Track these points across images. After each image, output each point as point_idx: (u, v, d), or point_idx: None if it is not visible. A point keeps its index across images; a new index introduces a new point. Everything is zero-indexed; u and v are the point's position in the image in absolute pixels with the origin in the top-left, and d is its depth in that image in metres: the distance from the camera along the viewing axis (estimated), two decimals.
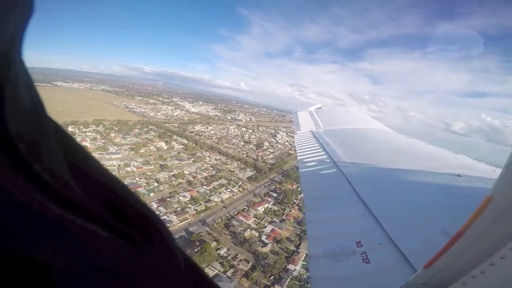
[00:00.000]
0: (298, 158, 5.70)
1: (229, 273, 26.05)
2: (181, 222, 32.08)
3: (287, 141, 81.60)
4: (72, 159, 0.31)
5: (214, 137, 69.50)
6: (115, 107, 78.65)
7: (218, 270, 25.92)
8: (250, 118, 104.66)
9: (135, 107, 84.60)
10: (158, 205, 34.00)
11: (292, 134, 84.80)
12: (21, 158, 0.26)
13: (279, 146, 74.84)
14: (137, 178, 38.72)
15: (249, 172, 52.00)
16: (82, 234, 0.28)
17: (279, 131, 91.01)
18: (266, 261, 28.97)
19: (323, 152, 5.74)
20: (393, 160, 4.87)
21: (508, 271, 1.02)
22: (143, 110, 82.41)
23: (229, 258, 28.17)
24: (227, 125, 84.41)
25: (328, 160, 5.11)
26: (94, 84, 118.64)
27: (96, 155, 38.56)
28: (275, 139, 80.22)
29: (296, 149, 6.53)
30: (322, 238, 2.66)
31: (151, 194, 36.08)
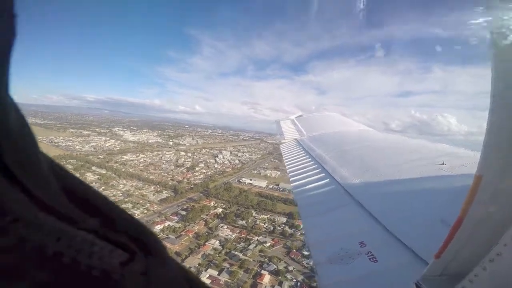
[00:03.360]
0: (286, 167, 6.31)
1: None
2: None
3: (228, 160, 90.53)
4: (63, 181, 0.36)
5: (141, 165, 76.88)
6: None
7: None
8: (197, 141, 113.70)
9: (62, 141, 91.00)
10: None
11: (236, 153, 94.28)
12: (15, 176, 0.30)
13: (216, 166, 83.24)
14: None
15: (164, 194, 59.13)
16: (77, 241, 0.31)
17: (223, 151, 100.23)
18: None
19: (310, 158, 6.32)
20: (379, 157, 5.29)
21: None
22: (70, 144, 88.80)
23: None
24: (164, 151, 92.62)
25: (316, 165, 5.61)
26: None
27: None
28: (215, 160, 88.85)
29: (283, 158, 7.34)
30: (324, 243, 2.88)
31: None
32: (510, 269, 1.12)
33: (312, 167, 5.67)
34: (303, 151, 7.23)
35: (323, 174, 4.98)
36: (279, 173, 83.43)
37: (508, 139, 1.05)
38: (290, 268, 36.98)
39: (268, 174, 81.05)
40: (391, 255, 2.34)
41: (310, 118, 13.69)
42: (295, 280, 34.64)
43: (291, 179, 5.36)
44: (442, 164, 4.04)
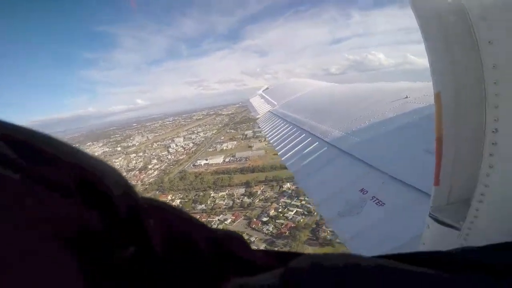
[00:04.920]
0: (270, 141, 6.59)
1: None
2: None
3: (182, 146, 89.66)
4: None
5: None
6: None
7: None
8: (147, 137, 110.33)
9: None
10: None
11: (190, 136, 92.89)
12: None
13: (169, 157, 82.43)
14: None
15: None
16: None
17: (175, 139, 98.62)
18: None
19: (287, 125, 6.60)
20: (348, 106, 5.63)
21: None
22: None
23: None
24: (112, 160, 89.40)
25: (295, 129, 5.86)
26: None
27: None
28: (168, 151, 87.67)
29: (264, 133, 7.80)
30: (328, 201, 2.98)
31: None
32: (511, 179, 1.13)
33: (292, 131, 5.88)
34: (280, 120, 7.49)
35: (304, 134, 5.16)
36: (235, 142, 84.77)
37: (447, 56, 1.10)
38: (252, 239, 39.45)
39: (224, 148, 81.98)
40: (394, 194, 2.40)
41: (276, 88, 14.11)
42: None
43: (277, 149, 5.55)
44: (406, 97, 4.39)
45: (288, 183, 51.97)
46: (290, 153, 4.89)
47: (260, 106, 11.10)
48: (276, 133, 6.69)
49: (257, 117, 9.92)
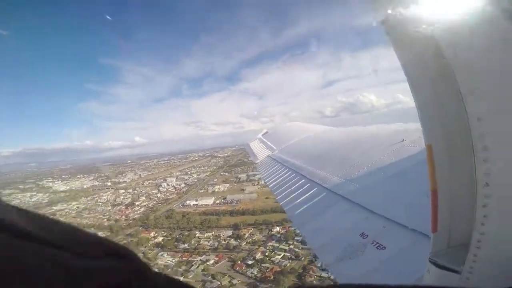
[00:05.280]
0: (269, 186, 6.58)
1: None
2: None
3: (173, 186, 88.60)
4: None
5: (73, 212, 71.90)
6: None
7: None
8: (139, 175, 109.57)
9: None
10: None
11: (183, 176, 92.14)
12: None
13: (159, 196, 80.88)
14: None
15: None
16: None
17: (168, 179, 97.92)
18: None
19: (286, 170, 6.65)
20: (346, 151, 5.68)
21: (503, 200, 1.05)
22: None
23: None
24: (100, 194, 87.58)
25: (293, 174, 5.92)
26: None
27: None
28: (158, 189, 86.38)
29: (263, 178, 7.74)
30: (327, 245, 2.98)
31: None
32: (505, 227, 1.12)
33: (291, 176, 5.98)
34: (279, 165, 7.56)
35: (303, 180, 5.20)
36: (228, 185, 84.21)
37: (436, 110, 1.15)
38: (234, 281, 37.35)
39: (216, 190, 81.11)
40: (395, 238, 2.38)
41: (275, 132, 14.38)
42: None
43: (275, 194, 5.55)
44: (403, 141, 4.46)
45: (278, 227, 50.83)
46: (288, 198, 4.91)
47: (259, 151, 11.27)
48: (275, 178, 6.78)
49: (256, 161, 10.01)
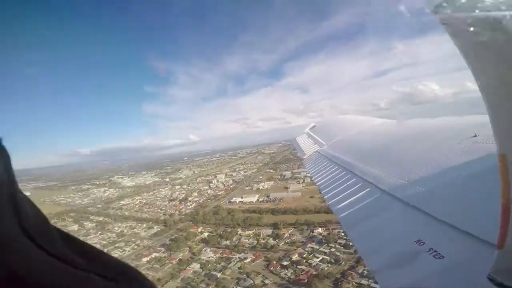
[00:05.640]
0: (316, 183, 6.31)
1: None
2: None
3: (222, 183, 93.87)
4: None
5: (136, 207, 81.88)
6: (41, 204, 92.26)
7: None
8: (194, 171, 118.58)
9: (63, 198, 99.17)
10: None
11: (231, 173, 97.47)
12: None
13: (209, 192, 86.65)
14: None
15: (155, 229, 62.85)
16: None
17: (218, 175, 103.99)
18: None
19: (336, 167, 6.34)
20: (407, 147, 5.16)
21: None
22: (70, 200, 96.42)
23: None
24: (159, 189, 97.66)
25: (344, 172, 5.64)
26: (26, 183, 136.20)
27: None
28: (209, 186, 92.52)
29: (310, 174, 7.46)
30: (376, 250, 2.77)
31: None
32: None
33: (341, 174, 5.64)
34: (328, 161, 7.21)
35: (354, 179, 4.87)
36: (272, 183, 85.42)
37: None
38: (267, 281, 38.20)
39: (261, 187, 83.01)
40: (457, 248, 2.19)
41: (324, 126, 13.66)
42: None
43: (323, 192, 5.32)
44: (475, 136, 3.93)
45: (320, 228, 49.98)
46: (337, 198, 4.61)
47: (307, 146, 10.75)
48: (323, 176, 6.40)
49: (304, 157, 9.54)
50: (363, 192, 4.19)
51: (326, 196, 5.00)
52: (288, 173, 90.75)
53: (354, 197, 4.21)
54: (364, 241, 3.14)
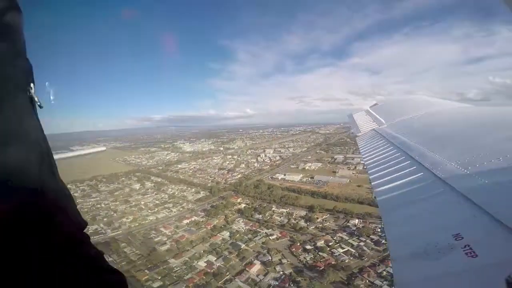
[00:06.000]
0: (365, 162, 5.82)
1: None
2: (112, 233, 52.31)
3: (269, 157, 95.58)
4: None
5: (190, 171, 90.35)
6: (115, 162, 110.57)
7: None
8: (246, 143, 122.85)
9: (133, 159, 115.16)
10: (107, 226, 55.22)
11: (280, 149, 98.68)
12: None
13: (256, 165, 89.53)
14: (101, 211, 62.11)
15: (201, 195, 69.08)
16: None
17: (267, 150, 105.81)
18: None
19: (391, 147, 5.76)
20: (483, 134, 4.64)
21: None
22: (139, 161, 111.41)
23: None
24: (213, 157, 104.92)
25: (399, 153, 5.12)
26: (106, 143, 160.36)
27: (79, 200, 64.57)
28: (256, 159, 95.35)
29: (360, 150, 6.95)
30: (406, 238, 2.57)
31: (105, 219, 58.10)
32: None
33: (395, 155, 5.20)
34: (383, 140, 6.65)
35: (409, 161, 4.49)
36: (320, 164, 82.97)
37: None
38: (284, 261, 39.01)
39: (307, 167, 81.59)
40: (497, 248, 1.95)
41: (388, 104, 12.47)
42: (281, 273, 36.45)
43: (369, 172, 5.03)
44: None
45: (357, 220, 47.96)
46: (383, 179, 4.34)
47: (364, 123, 9.89)
48: (374, 154, 5.98)
49: (358, 134, 8.89)
50: (414, 176, 3.90)
51: (372, 176, 4.76)
52: (340, 157, 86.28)
53: (401, 181, 3.96)
54: (396, 226, 2.98)
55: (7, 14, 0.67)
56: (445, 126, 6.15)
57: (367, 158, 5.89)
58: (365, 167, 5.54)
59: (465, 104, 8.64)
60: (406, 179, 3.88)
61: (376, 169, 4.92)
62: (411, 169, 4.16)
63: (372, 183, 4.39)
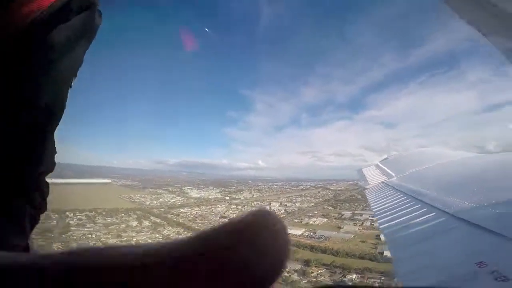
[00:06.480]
0: (371, 206, 5.83)
1: None
2: None
3: (274, 211, 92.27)
4: None
5: (191, 216, 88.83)
6: (119, 198, 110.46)
7: None
8: (253, 195, 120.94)
9: (138, 198, 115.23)
10: None
11: (286, 203, 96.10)
12: None
13: None
14: (89, 242, 60.70)
15: None
16: None
17: (273, 202, 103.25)
18: None
19: (401, 195, 5.67)
20: (497, 178, 4.59)
21: None
22: (143, 200, 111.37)
23: None
24: (217, 206, 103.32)
25: (409, 199, 5.02)
26: (117, 180, 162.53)
27: (72, 228, 64.31)
28: None
29: (368, 202, 6.79)
30: (422, 271, 2.42)
31: None
32: None
33: (404, 201, 5.13)
34: (393, 190, 6.61)
35: (419, 205, 4.40)
36: (325, 220, 78.94)
37: None
38: None
39: (312, 222, 77.72)
40: None
41: (398, 158, 12.49)
42: None
43: (377, 217, 4.94)
44: None
45: (355, 275, 43.98)
46: (392, 222, 4.21)
47: (373, 177, 9.89)
48: (382, 202, 5.93)
49: (366, 187, 8.88)
50: (426, 216, 3.81)
51: (380, 221, 4.65)
52: (348, 213, 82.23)
53: (412, 221, 3.86)
54: (408, 261, 2.78)
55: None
56: (457, 174, 6.02)
57: (375, 206, 5.82)
58: (373, 216, 5.64)
59: (480, 154, 8.57)
60: (417, 220, 3.77)
61: (385, 214, 4.84)
62: (422, 210, 4.09)
63: (380, 227, 4.31)
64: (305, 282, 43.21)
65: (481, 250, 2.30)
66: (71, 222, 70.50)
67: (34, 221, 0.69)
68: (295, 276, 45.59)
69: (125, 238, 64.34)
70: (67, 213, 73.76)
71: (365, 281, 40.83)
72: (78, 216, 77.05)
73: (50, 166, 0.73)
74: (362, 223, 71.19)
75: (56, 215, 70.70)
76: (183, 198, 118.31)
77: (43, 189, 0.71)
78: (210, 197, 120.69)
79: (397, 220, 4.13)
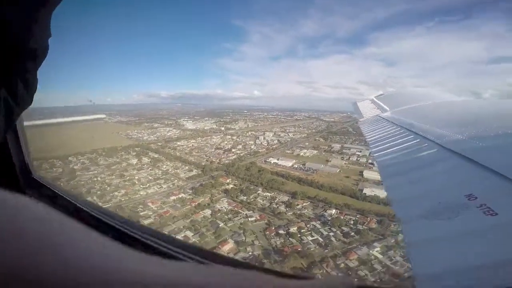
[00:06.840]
0: (367, 139, 5.91)
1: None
2: (103, 205, 56.28)
3: (267, 141, 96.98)
4: None
5: (188, 149, 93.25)
6: (116, 136, 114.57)
7: None
8: (248, 125, 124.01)
9: (135, 133, 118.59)
10: (99, 199, 59.38)
11: (279, 133, 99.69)
12: None
13: (253, 147, 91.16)
14: (96, 185, 66.28)
15: (193, 173, 72.11)
16: None
17: (266, 133, 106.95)
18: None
19: (394, 126, 5.80)
20: (486, 123, 4.37)
21: None
22: (140, 135, 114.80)
23: None
24: (212, 136, 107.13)
25: (402, 130, 5.13)
26: (112, 117, 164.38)
27: (78, 173, 68.65)
28: (254, 141, 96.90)
29: (363, 134, 6.98)
30: (413, 199, 2.47)
31: (98, 192, 62.25)
32: None
33: (397, 132, 5.19)
34: (387, 122, 6.68)
35: (412, 136, 4.42)
36: (315, 152, 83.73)
37: None
38: (256, 242, 41.66)
39: (302, 154, 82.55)
40: None
41: (393, 95, 12.45)
42: (251, 253, 39.44)
43: (371, 147, 5.01)
44: None
45: (334, 210, 49.51)
46: (384, 152, 4.31)
47: (368, 110, 9.96)
48: (376, 133, 6.01)
49: (360, 119, 8.98)
50: (418, 146, 3.88)
51: (374, 150, 4.75)
52: (337, 146, 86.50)
53: (404, 151, 3.95)
54: (399, 189, 2.89)
55: None
56: (452, 113, 6.16)
57: (369, 136, 5.94)
58: (359, 152, 6.36)
59: (477, 99, 8.62)
60: (409, 150, 3.86)
61: (378, 143, 4.93)
62: (414, 141, 4.15)
63: (374, 155, 4.44)
64: (290, 214, 49.34)
65: (470, 182, 2.37)
66: (75, 167, 74.66)
67: (12, 115, 0.56)
68: (282, 208, 51.59)
69: (128, 177, 69.54)
70: (70, 158, 77.63)
71: (342, 217, 46.26)
72: (81, 160, 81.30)
73: (41, 53, 0.62)
74: (349, 158, 75.77)
75: (60, 162, 74.24)
76: (179, 131, 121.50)
77: (28, 80, 0.56)
78: (205, 128, 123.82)
79: (390, 150, 4.23)
